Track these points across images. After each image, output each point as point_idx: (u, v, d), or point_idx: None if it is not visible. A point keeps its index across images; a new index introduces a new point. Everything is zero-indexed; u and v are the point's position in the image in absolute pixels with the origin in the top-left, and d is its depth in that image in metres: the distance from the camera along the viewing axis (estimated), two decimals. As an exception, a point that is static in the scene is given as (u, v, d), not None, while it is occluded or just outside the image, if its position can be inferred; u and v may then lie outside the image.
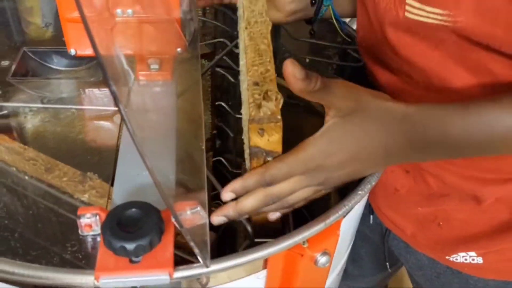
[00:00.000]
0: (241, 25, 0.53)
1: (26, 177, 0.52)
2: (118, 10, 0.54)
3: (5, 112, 0.60)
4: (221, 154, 0.54)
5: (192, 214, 0.40)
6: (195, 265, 0.39)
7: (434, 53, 0.48)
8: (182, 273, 0.38)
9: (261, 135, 0.42)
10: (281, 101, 0.43)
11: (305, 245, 0.44)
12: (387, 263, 0.77)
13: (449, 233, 0.62)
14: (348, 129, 0.42)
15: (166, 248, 0.38)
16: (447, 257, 0.63)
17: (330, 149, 0.42)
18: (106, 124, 0.63)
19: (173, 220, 0.40)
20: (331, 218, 0.44)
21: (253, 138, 0.42)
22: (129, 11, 0.54)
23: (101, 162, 0.54)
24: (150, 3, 0.55)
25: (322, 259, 0.44)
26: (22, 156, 0.54)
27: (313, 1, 0.64)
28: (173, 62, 0.60)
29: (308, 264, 0.45)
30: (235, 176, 0.46)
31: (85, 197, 0.49)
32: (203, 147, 0.49)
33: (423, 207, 0.62)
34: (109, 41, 0.52)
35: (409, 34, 0.49)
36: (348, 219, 0.51)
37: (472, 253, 0.61)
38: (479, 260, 0.61)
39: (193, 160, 0.49)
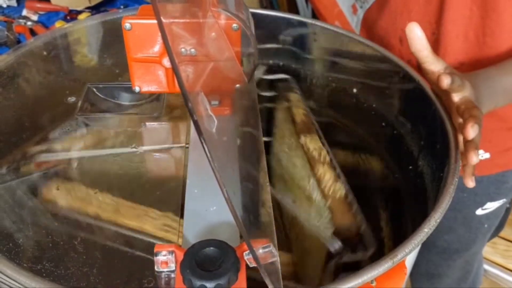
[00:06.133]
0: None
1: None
2: (182, 49, 0.56)
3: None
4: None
5: (264, 252, 0.41)
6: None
7: None
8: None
9: None
10: None
11: (373, 284, 0.44)
12: None
13: None
14: None
15: (241, 285, 0.39)
16: None
17: None
18: (165, 156, 0.65)
19: (245, 257, 0.41)
20: (399, 256, 0.44)
21: None
22: (192, 50, 0.56)
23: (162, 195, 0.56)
24: (212, 42, 0.57)
25: (390, 297, 0.44)
26: (93, 201, 0.55)
27: None
28: (232, 97, 0.62)
29: (377, 303, 0.45)
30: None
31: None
32: (267, 182, 0.50)
33: None
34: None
35: None
36: (411, 255, 0.51)
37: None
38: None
39: (257, 195, 0.50)
